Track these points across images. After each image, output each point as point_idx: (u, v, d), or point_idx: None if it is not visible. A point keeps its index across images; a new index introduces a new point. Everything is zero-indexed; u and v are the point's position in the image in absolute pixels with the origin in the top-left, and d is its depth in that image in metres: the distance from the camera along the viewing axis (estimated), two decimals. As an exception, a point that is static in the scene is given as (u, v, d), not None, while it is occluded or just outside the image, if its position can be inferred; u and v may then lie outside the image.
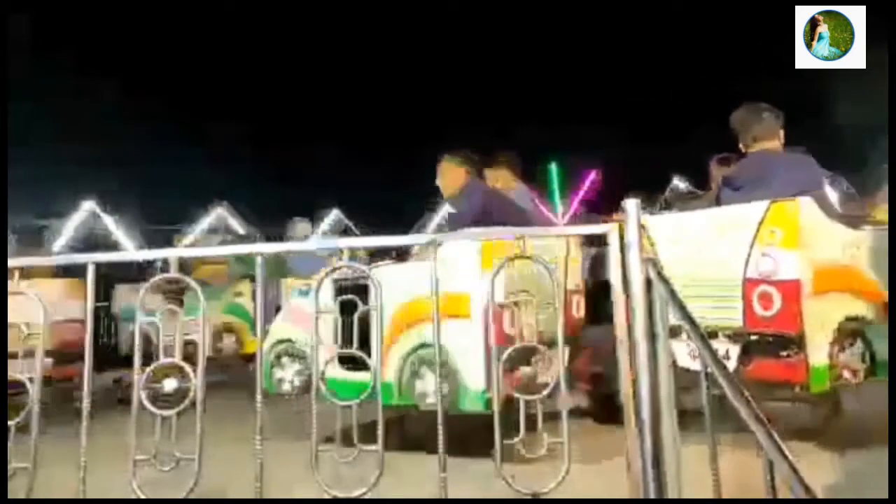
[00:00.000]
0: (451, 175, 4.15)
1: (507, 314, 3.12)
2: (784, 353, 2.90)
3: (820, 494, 0.96)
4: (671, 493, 1.51)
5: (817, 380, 2.84)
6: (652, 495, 1.52)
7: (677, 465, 1.53)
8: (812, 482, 0.97)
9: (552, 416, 1.78)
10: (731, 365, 3.03)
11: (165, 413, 1.77)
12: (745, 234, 3.00)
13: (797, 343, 2.86)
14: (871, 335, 3.01)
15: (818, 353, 2.85)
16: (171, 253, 2.01)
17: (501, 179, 4.70)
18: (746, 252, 3.00)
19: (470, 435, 2.71)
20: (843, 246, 3.01)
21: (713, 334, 3.09)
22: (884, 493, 1.75)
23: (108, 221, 15.76)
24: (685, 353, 3.00)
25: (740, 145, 3.55)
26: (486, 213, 3.78)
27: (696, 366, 1.68)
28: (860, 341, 2.99)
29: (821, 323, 2.88)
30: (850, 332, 2.96)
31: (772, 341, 2.95)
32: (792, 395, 3.19)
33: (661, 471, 1.52)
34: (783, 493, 1.05)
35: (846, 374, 2.94)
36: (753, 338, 3.02)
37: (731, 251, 3.09)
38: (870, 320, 3.02)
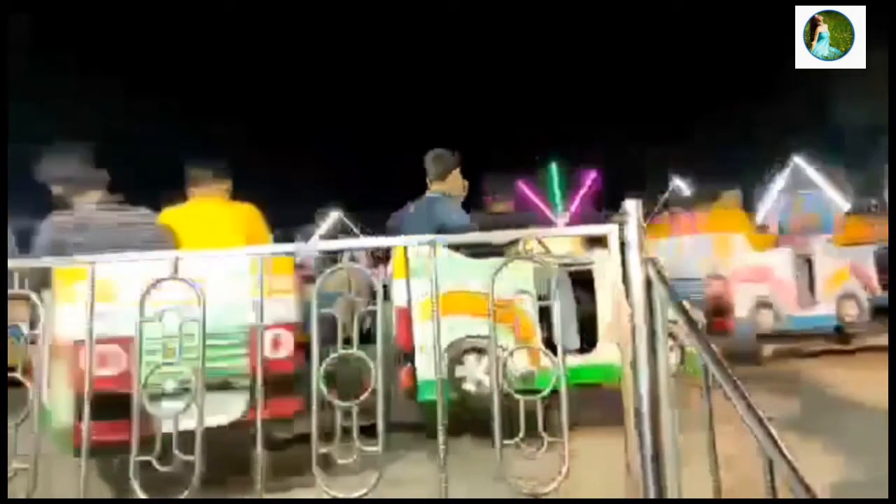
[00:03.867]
0: None
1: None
2: None
3: (820, 494, 0.95)
4: (671, 493, 1.51)
5: None
6: (652, 495, 1.51)
7: (677, 464, 1.53)
8: (812, 482, 0.96)
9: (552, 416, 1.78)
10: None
11: (165, 413, 1.76)
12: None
13: None
14: None
15: None
16: (171, 254, 2.00)
17: None
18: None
19: (470, 434, 2.71)
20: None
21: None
22: (884, 493, 1.75)
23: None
24: None
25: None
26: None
27: None
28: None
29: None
30: None
31: None
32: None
33: (661, 470, 1.52)
34: (783, 493, 1.05)
35: None
36: None
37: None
38: None
